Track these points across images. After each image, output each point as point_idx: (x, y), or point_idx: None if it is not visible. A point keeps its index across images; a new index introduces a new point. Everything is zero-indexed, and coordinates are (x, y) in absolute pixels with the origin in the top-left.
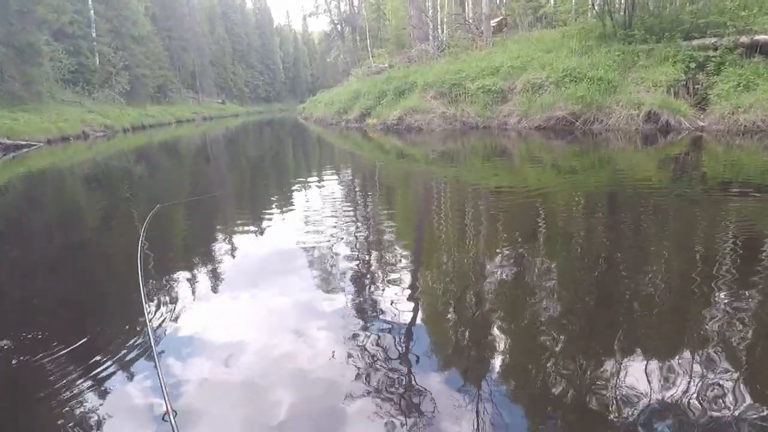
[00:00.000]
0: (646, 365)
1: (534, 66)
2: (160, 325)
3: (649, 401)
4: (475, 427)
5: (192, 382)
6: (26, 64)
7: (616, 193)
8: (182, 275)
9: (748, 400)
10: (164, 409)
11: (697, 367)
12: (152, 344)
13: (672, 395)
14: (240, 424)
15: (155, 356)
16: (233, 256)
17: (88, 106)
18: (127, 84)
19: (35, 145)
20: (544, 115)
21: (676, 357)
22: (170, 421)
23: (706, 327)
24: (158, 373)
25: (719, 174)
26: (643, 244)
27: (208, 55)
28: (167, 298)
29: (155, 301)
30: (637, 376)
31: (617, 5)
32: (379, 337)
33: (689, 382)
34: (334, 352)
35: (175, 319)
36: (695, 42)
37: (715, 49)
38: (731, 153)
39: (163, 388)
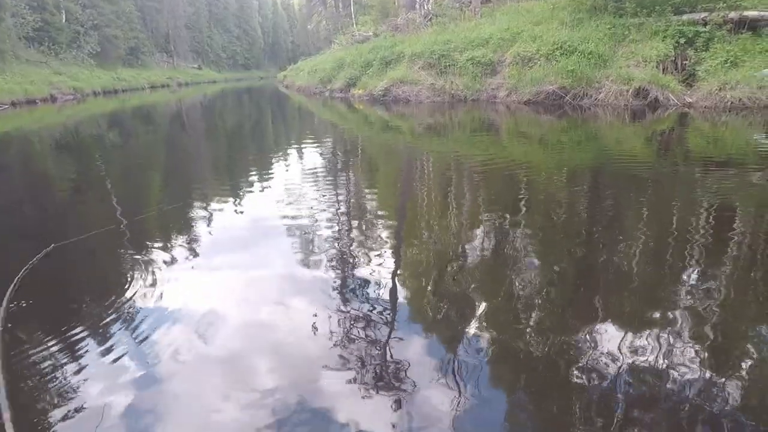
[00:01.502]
0: (619, 335)
1: (524, 38)
2: (137, 294)
3: (621, 370)
4: (454, 398)
5: (170, 354)
6: None
7: (601, 168)
8: (159, 246)
9: (716, 370)
10: None
11: (667, 338)
12: None
13: (643, 364)
14: (219, 395)
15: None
16: (210, 228)
17: (55, 67)
18: (97, 45)
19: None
20: (534, 89)
21: (648, 327)
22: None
23: (677, 298)
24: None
25: (702, 150)
26: (621, 217)
27: (182, 17)
28: (144, 269)
29: (134, 277)
30: (612, 346)
31: None
32: (359, 309)
33: (660, 352)
34: (314, 323)
35: (153, 291)
36: (685, 17)
37: (705, 24)
38: (716, 130)
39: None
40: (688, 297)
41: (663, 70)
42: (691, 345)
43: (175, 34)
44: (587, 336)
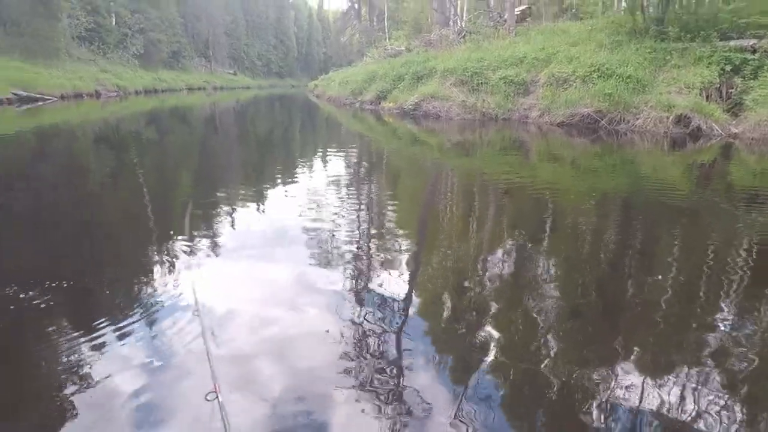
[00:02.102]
0: (640, 377)
1: (559, 59)
2: (154, 292)
3: (640, 413)
4: (461, 417)
5: (181, 349)
6: (45, 19)
7: (634, 195)
8: (181, 243)
9: (741, 419)
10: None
11: (692, 382)
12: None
13: (663, 408)
14: (227, 392)
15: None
16: (233, 229)
17: (102, 65)
18: (142, 47)
19: (49, 99)
20: (568, 111)
21: (673, 371)
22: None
23: (708, 341)
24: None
25: (746, 184)
26: (653, 250)
27: (222, 25)
28: (163, 267)
29: (153, 268)
30: (632, 386)
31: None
32: (372, 322)
33: (684, 399)
34: (326, 332)
35: (169, 289)
36: (732, 43)
37: (754, 52)
38: (764, 163)
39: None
40: (719, 342)
41: (707, 97)
42: (719, 396)
43: (215, 40)
44: (606, 374)
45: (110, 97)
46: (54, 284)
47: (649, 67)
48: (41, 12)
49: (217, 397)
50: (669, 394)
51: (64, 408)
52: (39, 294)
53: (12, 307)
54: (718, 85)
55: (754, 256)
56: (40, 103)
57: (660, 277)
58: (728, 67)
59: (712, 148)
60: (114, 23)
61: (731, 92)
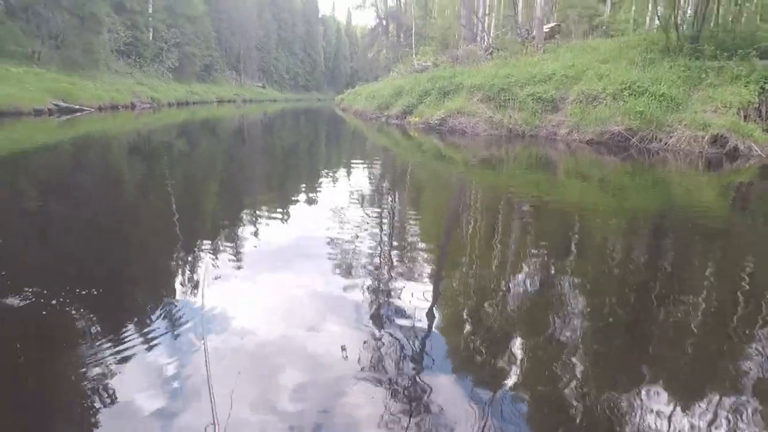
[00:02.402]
0: (664, 402)
1: (589, 76)
2: (178, 300)
3: None
4: None
5: (201, 356)
6: (87, 32)
7: (665, 216)
8: (205, 252)
9: None
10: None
11: (723, 411)
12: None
13: None
14: (249, 402)
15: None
16: (257, 240)
17: (138, 78)
18: (176, 60)
19: (87, 110)
20: (598, 128)
21: (703, 398)
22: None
23: (741, 369)
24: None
25: None
26: (684, 272)
27: (254, 39)
28: (188, 275)
29: (178, 277)
30: (654, 412)
31: (684, 17)
32: (392, 337)
33: (714, 427)
34: (345, 346)
35: (192, 298)
36: None
37: None
38: None
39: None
40: (753, 370)
41: (744, 117)
42: (752, 427)
43: (246, 54)
44: (633, 399)
45: (144, 109)
46: (71, 292)
47: (683, 86)
48: (83, 26)
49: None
50: (698, 423)
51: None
52: (59, 301)
53: (34, 313)
54: (758, 105)
55: None
56: (78, 114)
57: (691, 300)
58: None
59: (750, 169)
60: (151, 38)
61: None
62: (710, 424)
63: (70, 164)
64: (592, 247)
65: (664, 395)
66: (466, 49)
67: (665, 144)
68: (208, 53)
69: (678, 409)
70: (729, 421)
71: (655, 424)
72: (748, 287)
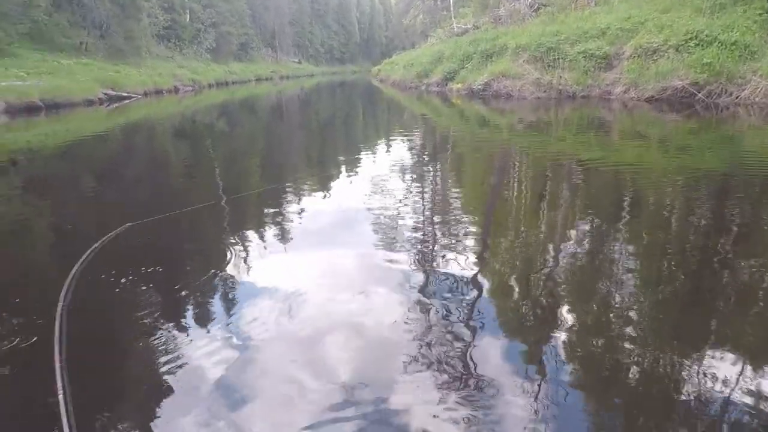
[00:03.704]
0: (727, 368)
1: (648, 28)
2: (230, 275)
3: (731, 405)
4: (534, 406)
5: (255, 328)
6: (128, 19)
7: (732, 175)
8: (249, 227)
9: None
10: None
11: None
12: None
13: (756, 401)
14: (295, 375)
15: None
16: (300, 214)
17: (179, 61)
18: (213, 41)
19: (134, 97)
20: (658, 84)
21: (761, 359)
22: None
23: None
24: None
25: None
26: (749, 237)
27: (287, 14)
28: (238, 250)
29: (228, 252)
30: (717, 378)
31: None
32: (440, 305)
33: None
34: (394, 315)
35: (244, 272)
36: None
37: None
38: None
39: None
40: None
41: None
42: None
43: (280, 30)
44: (691, 365)
45: (186, 92)
46: (137, 269)
47: (759, 31)
48: (124, 13)
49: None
50: (762, 389)
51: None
52: (121, 279)
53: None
54: None
55: None
56: (126, 102)
57: (757, 264)
58: None
59: None
60: (188, 19)
61: None
62: None
63: (121, 149)
64: (648, 210)
65: (727, 361)
66: (509, 8)
67: (737, 98)
68: (244, 31)
69: (741, 375)
70: None
71: (717, 389)
72: None
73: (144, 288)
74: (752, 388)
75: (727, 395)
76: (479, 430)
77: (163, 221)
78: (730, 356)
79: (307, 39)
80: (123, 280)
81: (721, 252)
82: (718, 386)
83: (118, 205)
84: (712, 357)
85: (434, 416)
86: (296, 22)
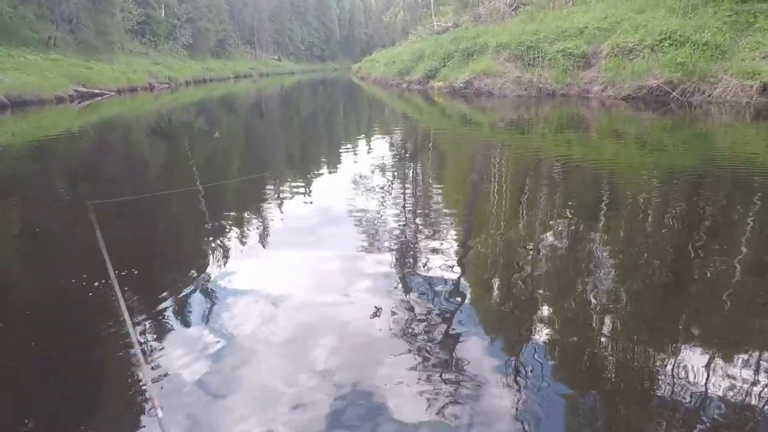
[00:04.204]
0: (700, 359)
1: (624, 28)
2: (211, 275)
3: (704, 395)
4: (515, 400)
5: (240, 329)
6: (100, 14)
7: (705, 172)
8: (233, 230)
9: None
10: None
11: (762, 365)
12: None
13: (728, 391)
14: (280, 369)
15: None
16: (282, 213)
17: (154, 57)
18: (190, 37)
19: (107, 94)
20: (635, 83)
21: (736, 355)
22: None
23: None
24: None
25: None
26: (721, 231)
27: (266, 10)
28: (218, 251)
29: (207, 253)
30: (690, 368)
31: None
32: (422, 301)
33: (751, 381)
34: (375, 312)
35: (226, 272)
36: None
37: None
38: None
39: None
40: None
41: None
42: None
43: (259, 26)
44: (666, 356)
45: (162, 89)
46: (118, 271)
47: (729, 32)
48: (96, 7)
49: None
50: (736, 379)
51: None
52: (104, 280)
53: (79, 293)
54: None
55: None
56: (98, 99)
57: (729, 257)
58: None
59: None
60: (163, 15)
61: None
62: (747, 379)
63: (94, 149)
64: (625, 206)
65: (700, 352)
66: (489, 6)
67: (709, 96)
68: (221, 27)
69: (714, 365)
70: (763, 371)
71: (690, 379)
72: None
73: (123, 290)
74: (724, 376)
75: (702, 384)
76: (462, 422)
77: (140, 222)
78: (702, 347)
79: (287, 36)
80: (96, 284)
81: (694, 247)
82: (692, 376)
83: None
84: (686, 348)
85: (417, 410)
86: (275, 19)
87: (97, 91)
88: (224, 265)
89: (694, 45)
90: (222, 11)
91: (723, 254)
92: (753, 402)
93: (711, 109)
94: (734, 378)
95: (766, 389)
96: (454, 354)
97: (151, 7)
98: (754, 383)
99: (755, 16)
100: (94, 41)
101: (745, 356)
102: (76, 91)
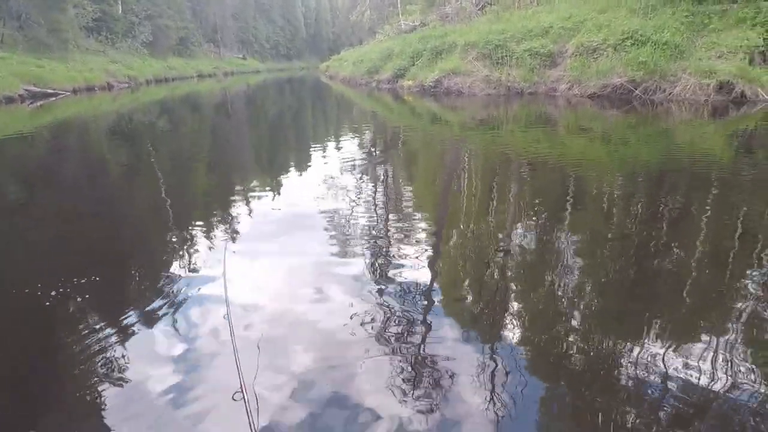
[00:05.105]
0: (662, 347)
1: (588, 27)
2: (179, 282)
3: (668, 381)
4: (488, 394)
5: (210, 334)
6: (51, 10)
7: (666, 168)
8: (199, 231)
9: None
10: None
11: (720, 351)
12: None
13: (690, 376)
14: (255, 376)
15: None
16: (251, 216)
17: (112, 56)
18: (150, 35)
19: (61, 94)
20: (599, 81)
21: (700, 339)
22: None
23: (736, 312)
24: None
25: None
26: (680, 224)
27: (229, 7)
28: (187, 257)
29: (175, 259)
30: (653, 355)
31: None
32: (395, 300)
33: (711, 367)
34: (349, 313)
35: (195, 274)
36: None
37: None
38: None
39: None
40: (748, 312)
41: (749, 61)
42: (746, 364)
43: (222, 24)
44: (630, 346)
45: (122, 89)
46: (78, 280)
47: (687, 32)
48: (46, 3)
49: (243, 397)
50: (697, 364)
51: (90, 404)
52: (65, 289)
53: (39, 303)
54: (762, 49)
55: None
56: (53, 99)
57: (687, 249)
58: None
59: (756, 116)
60: (120, 11)
61: None
62: (707, 365)
63: (50, 152)
64: (591, 201)
65: (663, 342)
66: (455, 6)
67: (669, 94)
68: (183, 25)
69: (676, 354)
70: (722, 358)
71: (654, 368)
72: (744, 234)
73: (83, 302)
74: (686, 364)
75: (665, 372)
76: (437, 418)
77: (101, 228)
78: (665, 337)
79: (252, 34)
80: (61, 290)
81: (657, 240)
82: (656, 365)
83: (47, 213)
84: (650, 339)
85: (392, 408)
86: (239, 16)
87: (51, 90)
88: (190, 271)
89: (654, 44)
90: (183, 8)
91: (683, 247)
92: (713, 387)
93: (672, 107)
94: (695, 365)
95: (723, 375)
96: (427, 351)
97: (107, 3)
98: (713, 370)
99: (710, 17)
100: (46, 38)
101: (704, 345)
102: (27, 90)
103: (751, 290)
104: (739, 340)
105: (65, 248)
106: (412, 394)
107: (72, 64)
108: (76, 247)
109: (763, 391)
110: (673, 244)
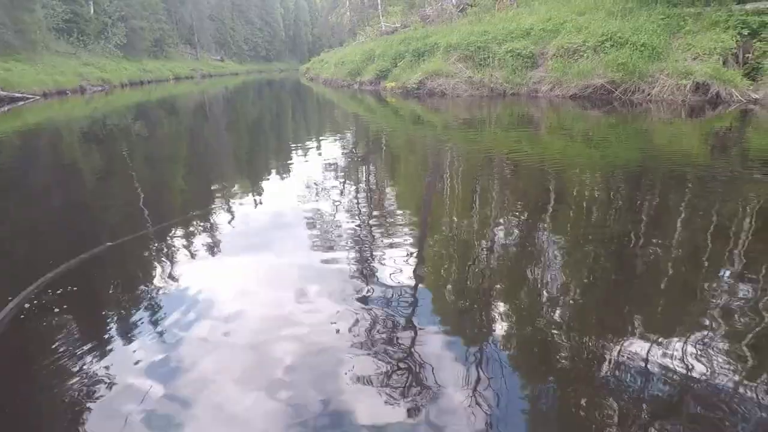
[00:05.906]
0: (643, 342)
1: (568, 29)
2: (160, 286)
3: (648, 374)
4: (473, 392)
5: (193, 343)
6: (17, 10)
7: (645, 167)
8: (181, 237)
9: (748, 382)
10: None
11: (699, 344)
12: None
13: (670, 368)
14: (240, 383)
15: None
16: (231, 220)
17: (84, 58)
18: (124, 37)
19: (31, 98)
20: (580, 82)
21: (679, 333)
22: None
23: (713, 306)
24: None
25: (764, 150)
26: (657, 222)
27: (206, 8)
28: (167, 260)
29: (155, 263)
30: (634, 352)
31: None
32: (380, 302)
33: (691, 359)
34: (334, 316)
35: (176, 281)
36: (749, 6)
37: None
38: None
39: None
40: (725, 306)
41: (723, 63)
42: (725, 355)
43: (199, 25)
44: (612, 342)
45: (95, 92)
46: (54, 290)
47: (663, 34)
48: (12, 3)
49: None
50: (676, 356)
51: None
52: (40, 295)
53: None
54: (735, 50)
55: (763, 226)
56: (21, 103)
57: (664, 247)
58: (745, 32)
59: (731, 115)
60: (92, 12)
61: (748, 57)
62: (686, 360)
63: (19, 158)
64: (572, 201)
65: (643, 338)
66: (436, 8)
67: (648, 95)
68: (158, 26)
69: (656, 350)
70: (703, 350)
71: (635, 364)
72: (718, 231)
73: (57, 312)
74: (666, 359)
75: (646, 367)
76: (423, 417)
77: (76, 233)
78: (645, 333)
79: (229, 35)
80: (35, 301)
81: (636, 238)
82: (636, 361)
83: (22, 218)
84: (631, 335)
85: (377, 408)
86: (216, 17)
87: (19, 94)
88: (172, 276)
89: (632, 46)
90: (158, 9)
91: (661, 245)
92: (692, 380)
93: (650, 107)
94: (674, 360)
95: (702, 368)
96: (413, 355)
97: (77, 4)
98: (692, 364)
99: (685, 19)
100: (12, 40)
101: (683, 339)
102: None
103: (726, 285)
104: (717, 334)
105: (35, 256)
106: (398, 394)
107: (41, 67)
108: (45, 255)
109: (744, 382)
110: (652, 241)
